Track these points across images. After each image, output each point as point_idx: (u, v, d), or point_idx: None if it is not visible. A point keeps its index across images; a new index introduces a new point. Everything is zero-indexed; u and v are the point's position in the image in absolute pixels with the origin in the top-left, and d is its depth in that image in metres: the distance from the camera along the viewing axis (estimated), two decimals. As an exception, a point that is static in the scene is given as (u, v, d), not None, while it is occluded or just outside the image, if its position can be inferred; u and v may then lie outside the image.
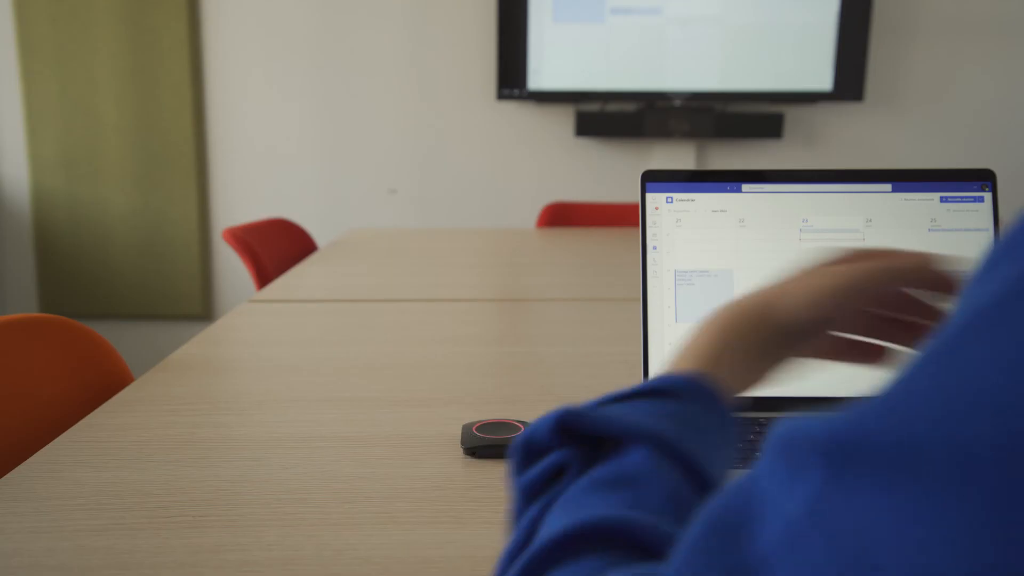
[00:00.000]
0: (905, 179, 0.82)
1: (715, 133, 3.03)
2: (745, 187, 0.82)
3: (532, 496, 0.39)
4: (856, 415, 0.24)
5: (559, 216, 2.69)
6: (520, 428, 0.79)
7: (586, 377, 1.00)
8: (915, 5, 3.10)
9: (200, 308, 3.23)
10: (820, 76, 3.00)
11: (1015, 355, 0.22)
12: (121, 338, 3.15)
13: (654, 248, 0.83)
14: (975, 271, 0.25)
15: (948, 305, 0.46)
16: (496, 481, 0.70)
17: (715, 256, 0.82)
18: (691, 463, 0.38)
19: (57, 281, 3.21)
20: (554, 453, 0.40)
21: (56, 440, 0.79)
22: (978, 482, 0.21)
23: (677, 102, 3.03)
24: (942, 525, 0.22)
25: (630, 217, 2.67)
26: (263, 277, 1.92)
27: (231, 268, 3.24)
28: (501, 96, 3.05)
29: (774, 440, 0.26)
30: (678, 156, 3.17)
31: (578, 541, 0.34)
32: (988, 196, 0.81)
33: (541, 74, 2.97)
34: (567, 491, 0.38)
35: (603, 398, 0.42)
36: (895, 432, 0.23)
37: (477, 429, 0.78)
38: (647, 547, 0.33)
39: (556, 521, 0.35)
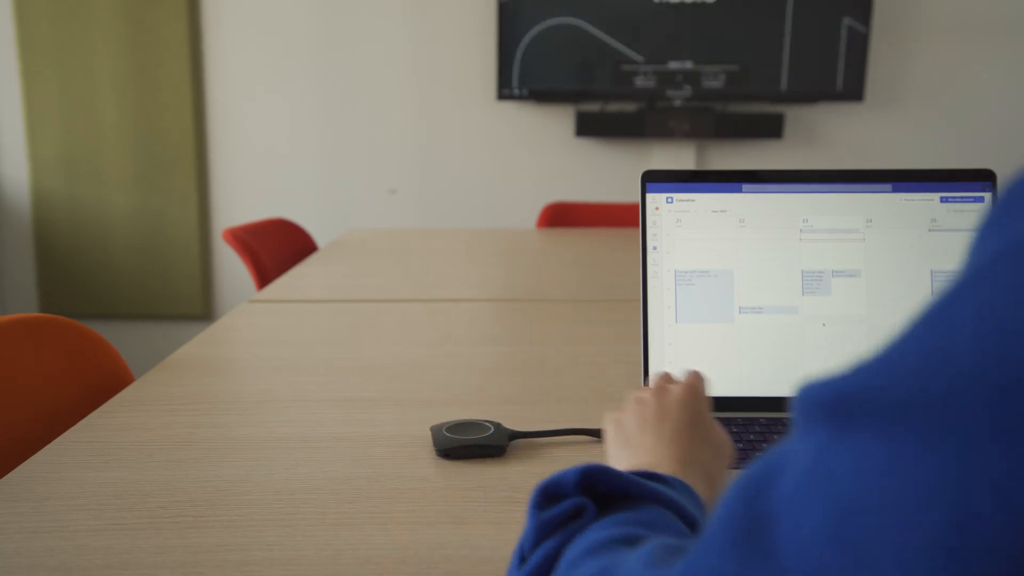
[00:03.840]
0: (905, 179, 0.82)
1: (715, 133, 3.03)
2: (745, 187, 0.83)
3: (550, 531, 0.44)
4: (856, 372, 0.26)
5: (559, 216, 2.69)
6: (488, 427, 0.78)
7: (586, 377, 1.00)
8: (915, 5, 3.10)
9: (200, 308, 3.23)
10: (820, 76, 3.00)
11: (1000, 312, 0.23)
12: (121, 338, 3.15)
13: (654, 248, 0.83)
14: (975, 233, 0.27)
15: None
16: (495, 482, 0.70)
17: (715, 256, 0.82)
18: (695, 524, 0.45)
19: (57, 281, 3.21)
20: (572, 498, 0.45)
21: (56, 440, 0.79)
22: (961, 433, 0.23)
23: (677, 102, 3.03)
24: (928, 473, 0.23)
25: (630, 217, 2.66)
26: (263, 277, 1.92)
27: (231, 268, 3.24)
28: (501, 96, 3.05)
29: (795, 402, 0.29)
30: (678, 156, 3.17)
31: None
32: (989, 196, 0.81)
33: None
34: (595, 527, 0.43)
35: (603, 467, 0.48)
36: (890, 386, 0.25)
37: (448, 430, 0.77)
38: None
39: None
